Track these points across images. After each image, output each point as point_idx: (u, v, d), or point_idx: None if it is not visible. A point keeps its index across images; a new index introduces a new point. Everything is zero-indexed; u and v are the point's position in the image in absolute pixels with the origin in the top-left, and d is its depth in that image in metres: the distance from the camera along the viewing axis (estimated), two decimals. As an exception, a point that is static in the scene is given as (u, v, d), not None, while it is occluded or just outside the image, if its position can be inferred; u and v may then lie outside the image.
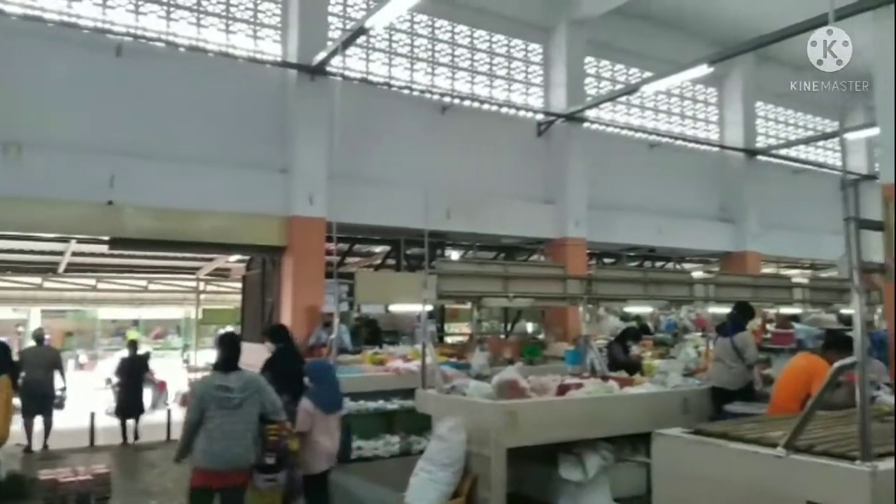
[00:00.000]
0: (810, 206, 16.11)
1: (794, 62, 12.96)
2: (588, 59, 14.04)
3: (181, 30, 10.00)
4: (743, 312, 7.45)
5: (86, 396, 13.12)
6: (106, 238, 9.86)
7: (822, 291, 10.84)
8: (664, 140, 15.02)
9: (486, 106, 12.76)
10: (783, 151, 16.93)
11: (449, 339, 13.20)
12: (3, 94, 8.61)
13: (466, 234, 12.56)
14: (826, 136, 17.28)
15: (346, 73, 10.98)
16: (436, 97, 12.22)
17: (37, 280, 17.72)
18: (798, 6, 8.26)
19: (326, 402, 5.52)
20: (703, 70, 11.32)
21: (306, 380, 5.68)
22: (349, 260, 14.08)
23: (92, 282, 18.61)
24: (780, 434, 3.24)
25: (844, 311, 10.19)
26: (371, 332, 11.41)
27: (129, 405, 10.54)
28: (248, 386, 4.83)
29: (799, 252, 17.08)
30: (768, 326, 10.23)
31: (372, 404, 7.72)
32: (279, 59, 10.61)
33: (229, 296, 18.22)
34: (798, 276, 14.93)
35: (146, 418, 10.94)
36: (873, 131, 10.82)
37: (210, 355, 9.76)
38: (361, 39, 10.70)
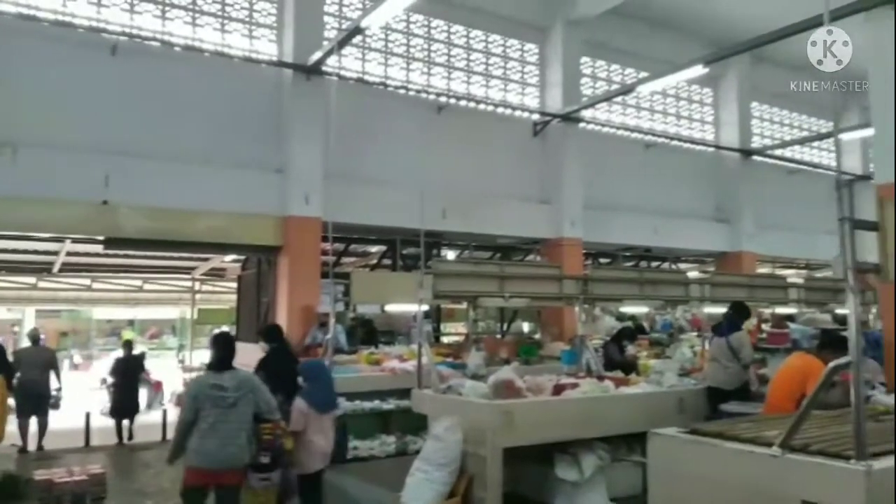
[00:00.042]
0: (805, 206, 16.11)
1: (789, 63, 13.01)
2: (584, 59, 14.04)
3: (176, 29, 9.98)
4: (738, 312, 7.49)
5: (81, 397, 13.10)
6: (101, 238, 9.82)
7: (817, 291, 10.85)
8: (660, 140, 15.03)
9: (482, 106, 12.75)
10: (778, 152, 16.97)
11: (445, 339, 13.18)
12: (-2, 94, 8.58)
13: (462, 233, 12.55)
14: (821, 137, 17.31)
15: (342, 72, 10.97)
16: (432, 97, 12.20)
17: (31, 280, 17.61)
18: (793, 7, 8.29)
19: (320, 402, 5.52)
20: (699, 70, 11.34)
21: (300, 379, 5.69)
22: (345, 260, 14.06)
23: (87, 282, 18.50)
24: (776, 433, 3.24)
25: (839, 311, 10.23)
26: (367, 332, 11.41)
27: (124, 405, 10.54)
28: (243, 385, 4.84)
29: (794, 252, 17.11)
30: (764, 326, 10.28)
31: (368, 404, 7.70)
32: (275, 58, 10.59)
33: (225, 296, 18.16)
34: (793, 276, 14.93)
35: (141, 418, 10.93)
36: (868, 132, 10.84)
37: (205, 355, 9.73)
38: (357, 39, 10.67)
